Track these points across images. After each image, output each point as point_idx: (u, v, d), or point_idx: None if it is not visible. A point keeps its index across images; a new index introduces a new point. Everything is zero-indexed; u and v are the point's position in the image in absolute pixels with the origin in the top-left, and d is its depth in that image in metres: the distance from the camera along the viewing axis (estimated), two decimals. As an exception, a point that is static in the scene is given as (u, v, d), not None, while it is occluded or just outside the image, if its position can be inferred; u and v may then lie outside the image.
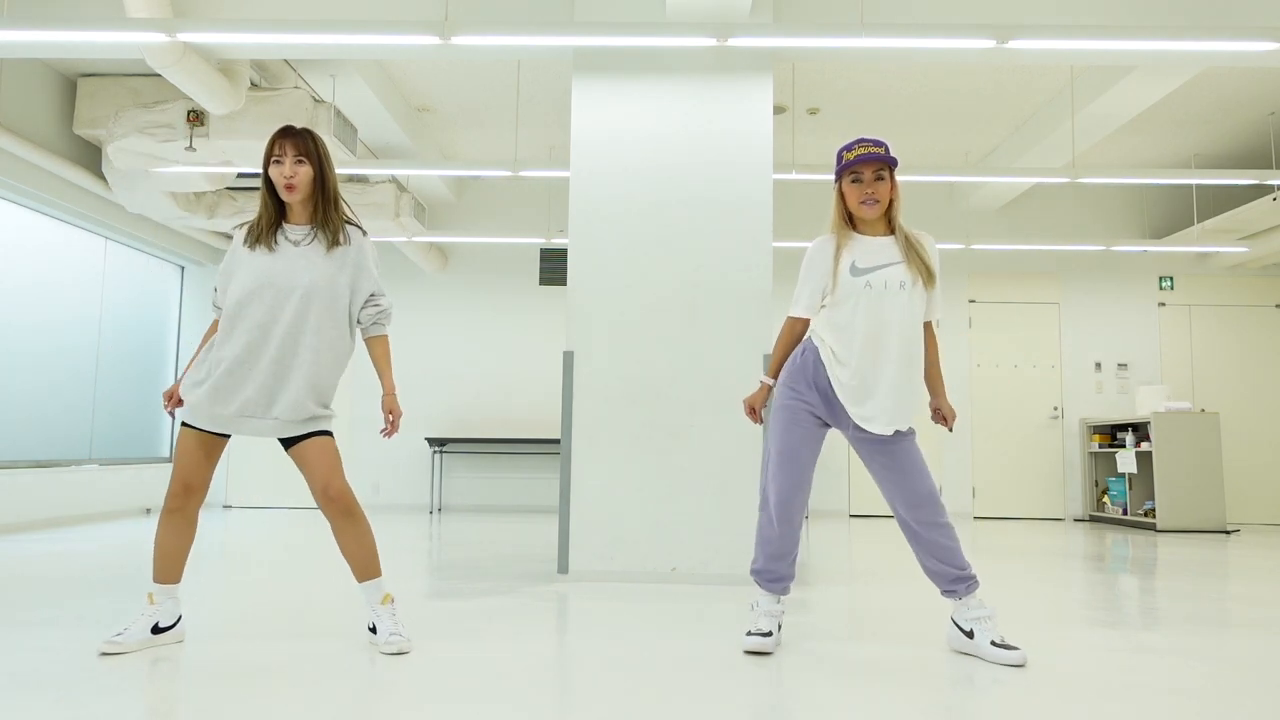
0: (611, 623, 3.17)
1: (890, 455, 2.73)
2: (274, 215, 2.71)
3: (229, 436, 2.71)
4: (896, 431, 2.72)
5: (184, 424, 2.65)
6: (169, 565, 2.67)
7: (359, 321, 2.80)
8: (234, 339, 2.63)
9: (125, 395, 7.83)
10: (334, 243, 2.70)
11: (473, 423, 8.83)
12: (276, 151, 2.67)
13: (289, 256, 2.67)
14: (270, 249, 2.67)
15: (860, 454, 2.80)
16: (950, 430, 3.08)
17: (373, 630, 2.72)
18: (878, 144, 2.70)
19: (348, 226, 2.76)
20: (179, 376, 2.77)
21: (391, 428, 2.76)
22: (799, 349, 2.83)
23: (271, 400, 2.63)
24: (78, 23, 4.03)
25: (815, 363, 2.77)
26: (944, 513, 2.72)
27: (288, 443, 2.70)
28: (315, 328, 2.65)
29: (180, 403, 2.72)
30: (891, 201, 2.75)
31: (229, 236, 8.47)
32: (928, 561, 2.74)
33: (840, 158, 2.75)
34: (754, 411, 2.86)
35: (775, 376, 2.87)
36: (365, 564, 2.74)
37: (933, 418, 2.89)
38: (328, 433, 2.71)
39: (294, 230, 2.72)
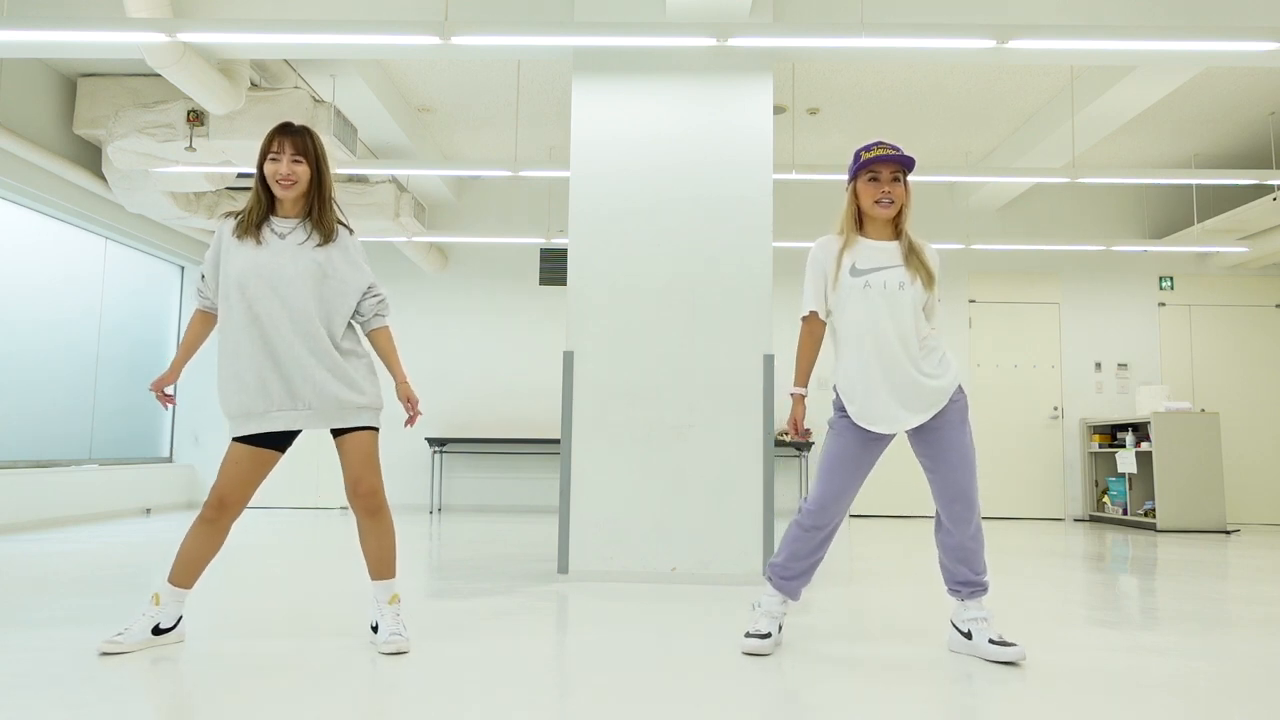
0: (611, 623, 3.17)
1: (935, 445, 2.71)
2: (264, 209, 2.72)
3: (281, 449, 2.71)
4: (932, 420, 2.70)
5: (234, 439, 2.65)
6: (187, 571, 2.67)
7: (359, 314, 2.81)
8: (238, 337, 2.64)
9: (125, 395, 7.82)
10: (325, 240, 2.71)
11: (473, 423, 8.83)
12: (274, 149, 2.67)
13: (276, 249, 2.67)
14: (258, 242, 2.68)
15: (914, 448, 2.79)
16: None
17: (375, 629, 2.72)
18: (895, 147, 2.72)
19: (336, 225, 2.77)
20: (171, 366, 2.79)
21: (414, 415, 2.80)
22: None
23: (294, 392, 2.63)
24: (78, 23, 4.03)
25: None
26: (976, 514, 2.70)
27: (335, 433, 2.71)
28: (316, 317, 2.66)
29: (168, 397, 2.77)
30: (903, 205, 2.76)
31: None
32: (946, 558, 2.74)
33: (858, 157, 2.75)
34: (798, 426, 2.81)
35: (804, 384, 2.83)
36: (383, 564, 2.75)
37: None
38: (372, 429, 2.72)
39: (281, 223, 2.73)
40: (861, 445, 2.74)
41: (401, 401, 2.82)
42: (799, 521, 2.77)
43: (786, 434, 7.96)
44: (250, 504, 8.45)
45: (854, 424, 2.74)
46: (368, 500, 2.70)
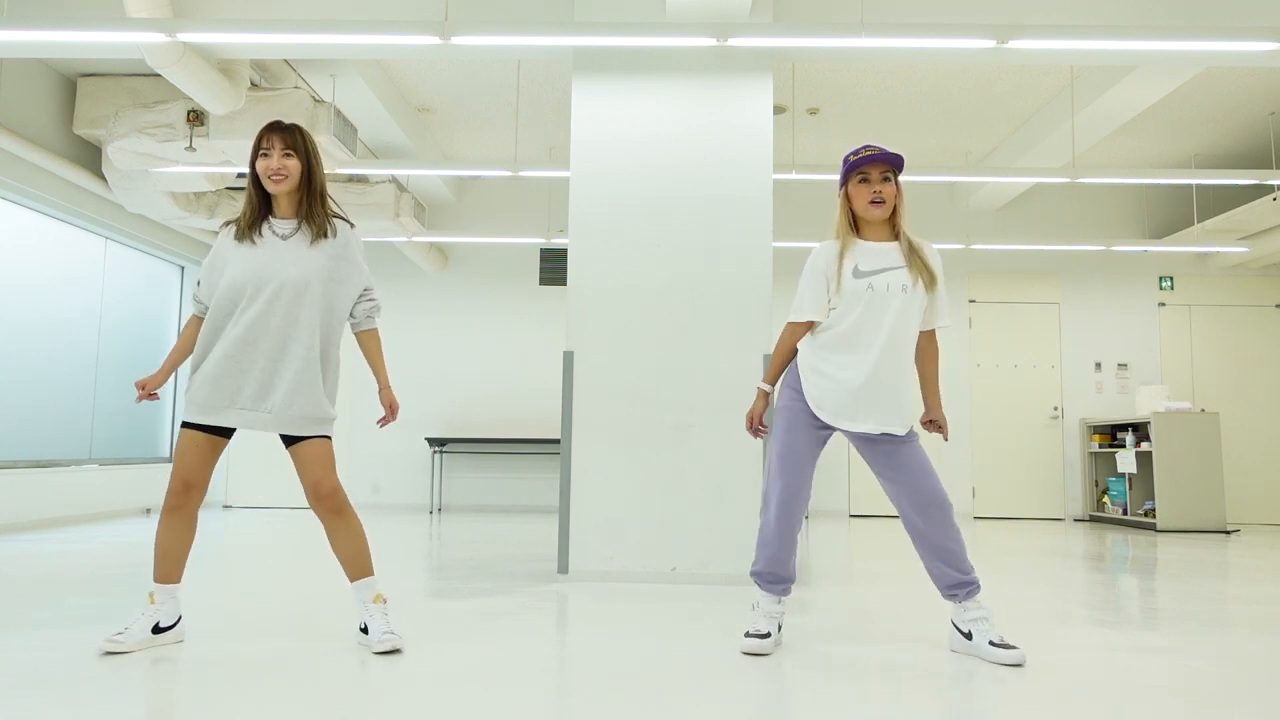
0: (611, 623, 3.17)
1: (894, 456, 2.73)
2: (259, 208, 2.72)
3: (229, 435, 2.72)
4: (890, 434, 2.73)
5: (184, 423, 2.67)
6: (169, 565, 2.67)
7: (352, 316, 2.83)
8: (227, 334, 2.64)
9: (125, 395, 7.83)
10: (319, 235, 2.71)
11: (473, 423, 8.83)
12: (264, 145, 2.68)
13: (276, 250, 2.67)
14: (254, 242, 2.68)
15: (864, 456, 2.80)
16: (945, 439, 3.07)
17: (364, 630, 2.72)
18: (883, 149, 2.74)
19: (334, 220, 2.77)
20: (161, 369, 2.77)
21: (390, 417, 2.84)
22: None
23: (265, 394, 2.63)
24: (78, 23, 4.03)
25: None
26: (952, 515, 2.72)
27: (288, 440, 2.71)
28: (308, 322, 2.66)
29: (153, 395, 2.73)
30: (896, 205, 2.77)
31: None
32: (932, 564, 2.74)
33: (846, 161, 2.78)
34: (755, 423, 2.84)
35: (773, 382, 2.86)
36: (357, 563, 2.74)
37: (926, 428, 2.88)
38: (327, 437, 2.72)
39: (280, 224, 2.73)
40: (813, 436, 2.77)
41: (384, 405, 2.85)
42: (767, 524, 2.78)
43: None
44: (250, 504, 8.47)
45: (807, 411, 2.75)
46: (330, 501, 2.69)
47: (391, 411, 2.85)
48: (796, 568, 2.87)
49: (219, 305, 2.66)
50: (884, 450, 2.75)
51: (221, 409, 2.63)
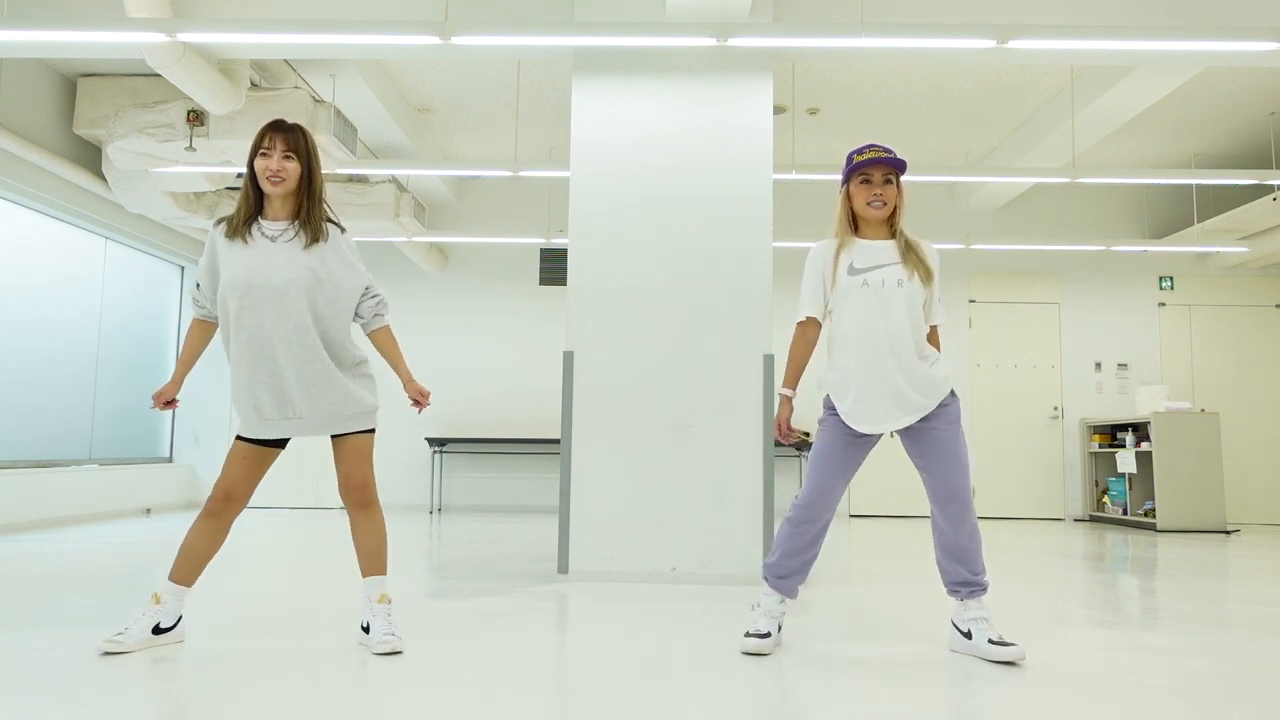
0: (611, 622, 3.17)
1: (924, 444, 2.75)
2: (251, 208, 2.71)
3: (279, 449, 2.73)
4: (925, 421, 2.73)
5: (237, 436, 2.70)
6: (189, 567, 2.67)
7: (359, 315, 2.81)
8: (234, 344, 2.65)
9: (125, 395, 7.82)
10: (314, 239, 2.69)
11: (473, 423, 8.83)
12: (265, 144, 2.66)
13: (267, 253, 2.65)
14: (245, 241, 2.67)
15: (905, 448, 2.83)
16: None
17: (365, 629, 2.72)
18: (888, 150, 2.76)
19: (325, 224, 2.75)
20: (172, 378, 2.79)
21: (423, 404, 2.84)
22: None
23: (287, 402, 2.64)
24: (78, 23, 4.03)
25: None
26: (971, 513, 2.71)
27: (333, 435, 2.74)
28: (304, 325, 2.64)
29: (171, 403, 2.76)
30: (896, 206, 2.78)
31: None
32: (944, 558, 2.75)
33: (850, 160, 2.79)
34: (782, 429, 2.85)
35: (792, 386, 2.86)
36: (373, 559, 2.76)
37: None
38: (368, 431, 2.74)
39: (270, 225, 2.71)
40: (849, 443, 2.78)
41: (412, 397, 2.84)
42: (790, 518, 2.80)
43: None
44: (251, 504, 8.46)
45: (842, 422, 2.78)
46: (359, 494, 2.73)
47: (423, 398, 2.84)
48: (810, 571, 2.87)
49: (223, 314, 2.67)
50: (916, 437, 2.76)
51: (255, 422, 2.66)
